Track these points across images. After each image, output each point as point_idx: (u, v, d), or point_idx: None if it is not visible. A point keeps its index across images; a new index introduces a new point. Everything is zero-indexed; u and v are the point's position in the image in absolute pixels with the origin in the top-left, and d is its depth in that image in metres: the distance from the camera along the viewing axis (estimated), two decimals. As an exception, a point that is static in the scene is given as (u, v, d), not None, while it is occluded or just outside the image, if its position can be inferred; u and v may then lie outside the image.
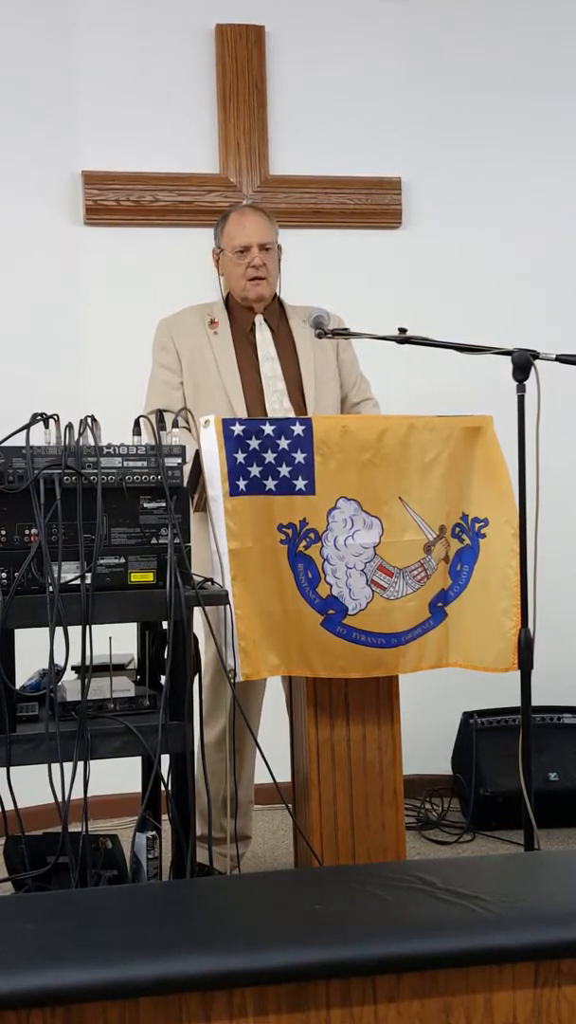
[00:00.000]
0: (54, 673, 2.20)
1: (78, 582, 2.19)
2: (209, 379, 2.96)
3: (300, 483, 2.42)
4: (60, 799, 2.11)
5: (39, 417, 2.23)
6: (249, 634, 2.38)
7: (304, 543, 2.43)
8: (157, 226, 3.83)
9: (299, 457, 2.41)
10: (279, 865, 3.27)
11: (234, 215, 3.07)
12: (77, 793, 2.13)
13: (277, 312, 3.09)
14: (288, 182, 3.90)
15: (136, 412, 2.40)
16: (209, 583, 2.39)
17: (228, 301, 3.11)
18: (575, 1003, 1.66)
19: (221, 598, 2.34)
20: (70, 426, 2.23)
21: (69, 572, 2.20)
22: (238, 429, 2.39)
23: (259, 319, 3.04)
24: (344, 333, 2.78)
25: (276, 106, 3.91)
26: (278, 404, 2.93)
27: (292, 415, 2.90)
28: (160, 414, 2.63)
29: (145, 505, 2.27)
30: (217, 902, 1.88)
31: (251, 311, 3.05)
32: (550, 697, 3.56)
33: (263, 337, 3.02)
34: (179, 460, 2.29)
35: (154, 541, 2.27)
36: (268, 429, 2.41)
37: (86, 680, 2.20)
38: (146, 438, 2.32)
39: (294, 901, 1.85)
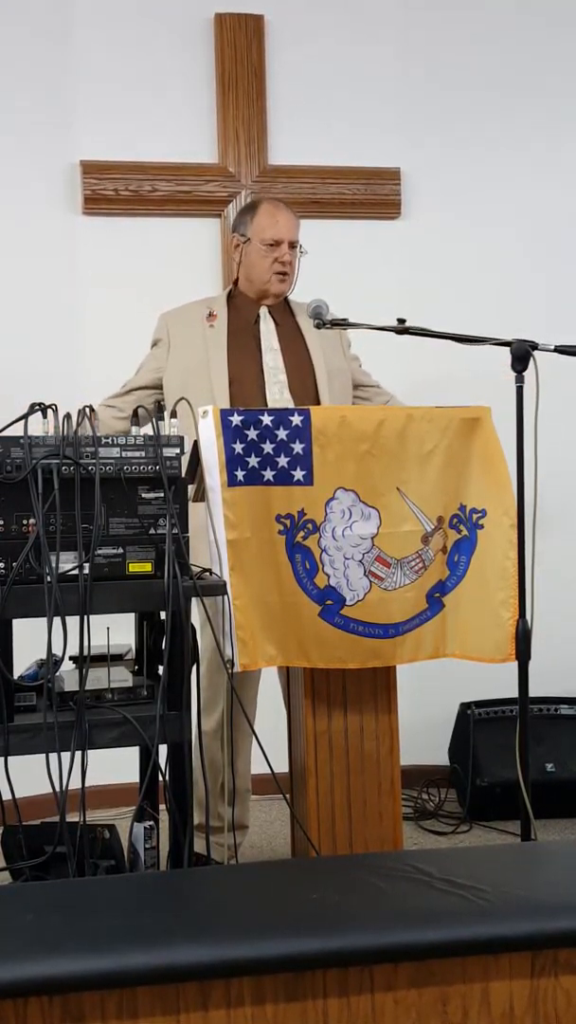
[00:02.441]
0: (52, 663, 2.20)
1: (76, 572, 2.19)
2: (198, 373, 2.95)
3: (298, 474, 2.41)
4: (58, 789, 2.11)
5: (37, 407, 2.23)
6: (247, 625, 2.38)
7: (302, 534, 2.42)
8: (155, 215, 3.82)
9: (297, 448, 2.41)
10: (276, 855, 3.28)
11: (267, 206, 3.07)
12: (75, 783, 2.13)
13: (282, 307, 3.09)
14: (287, 172, 3.89)
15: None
16: (207, 573, 2.39)
17: (232, 293, 3.11)
18: (572, 992, 1.67)
19: (219, 588, 2.34)
20: (68, 416, 2.23)
21: (67, 562, 2.19)
22: (236, 419, 2.39)
23: (263, 311, 3.04)
24: (343, 323, 2.78)
25: (275, 96, 3.89)
26: (279, 395, 2.94)
27: (292, 406, 2.90)
28: (158, 404, 2.64)
29: (143, 495, 2.27)
30: (214, 892, 1.88)
31: (256, 303, 3.05)
32: (547, 688, 3.56)
33: (267, 328, 3.03)
34: (177, 450, 2.29)
35: (152, 531, 2.27)
36: (266, 419, 2.40)
37: (84, 670, 2.20)
38: (144, 428, 2.32)
39: (291, 891, 1.85)
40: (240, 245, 3.08)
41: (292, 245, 3.02)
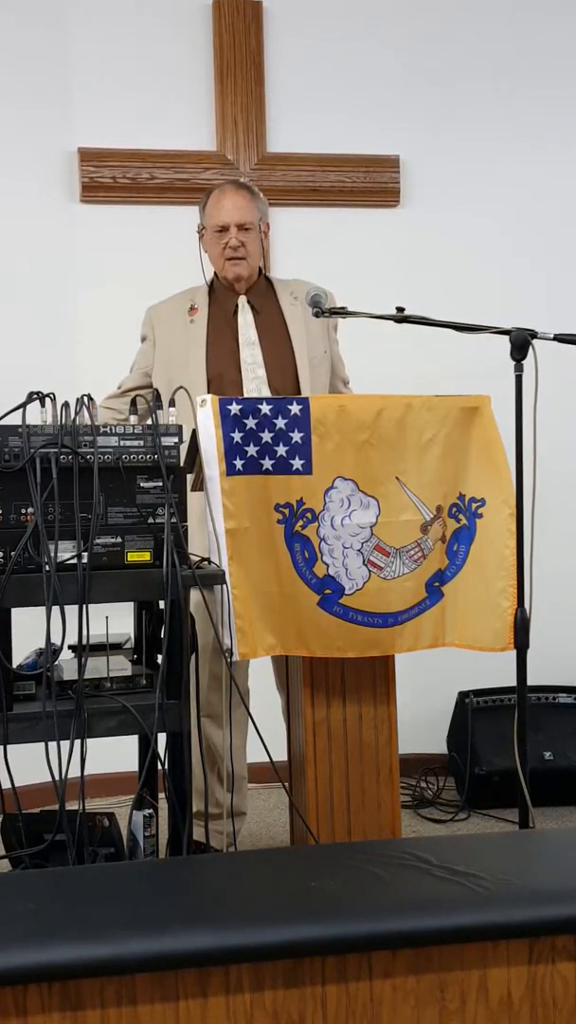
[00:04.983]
0: (51, 652, 2.21)
1: (75, 561, 2.19)
2: (179, 370, 2.91)
3: (297, 463, 2.41)
4: (57, 777, 2.11)
5: (35, 396, 2.23)
6: (246, 614, 2.38)
7: (301, 523, 2.42)
8: (153, 204, 3.81)
9: (296, 437, 2.41)
10: (275, 843, 3.29)
11: (215, 193, 3.01)
12: (74, 771, 2.13)
13: (263, 290, 3.04)
14: (286, 160, 3.88)
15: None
16: (206, 563, 2.39)
17: (212, 283, 3.08)
18: (569, 979, 1.68)
19: (218, 578, 2.34)
20: (66, 405, 2.22)
21: (66, 551, 2.20)
22: (235, 409, 2.38)
23: (242, 301, 2.99)
24: (342, 312, 2.77)
25: (274, 83, 3.88)
26: (256, 392, 2.88)
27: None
28: (156, 393, 2.63)
29: (142, 484, 2.27)
30: (214, 879, 1.89)
31: (235, 292, 3.01)
32: (546, 677, 3.57)
33: (245, 320, 2.97)
34: (176, 439, 2.29)
35: (151, 521, 2.26)
36: (265, 409, 2.40)
37: (83, 659, 2.20)
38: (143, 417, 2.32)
39: (290, 878, 1.86)
40: (201, 234, 3.05)
41: (242, 227, 2.94)
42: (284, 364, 2.95)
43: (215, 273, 3.07)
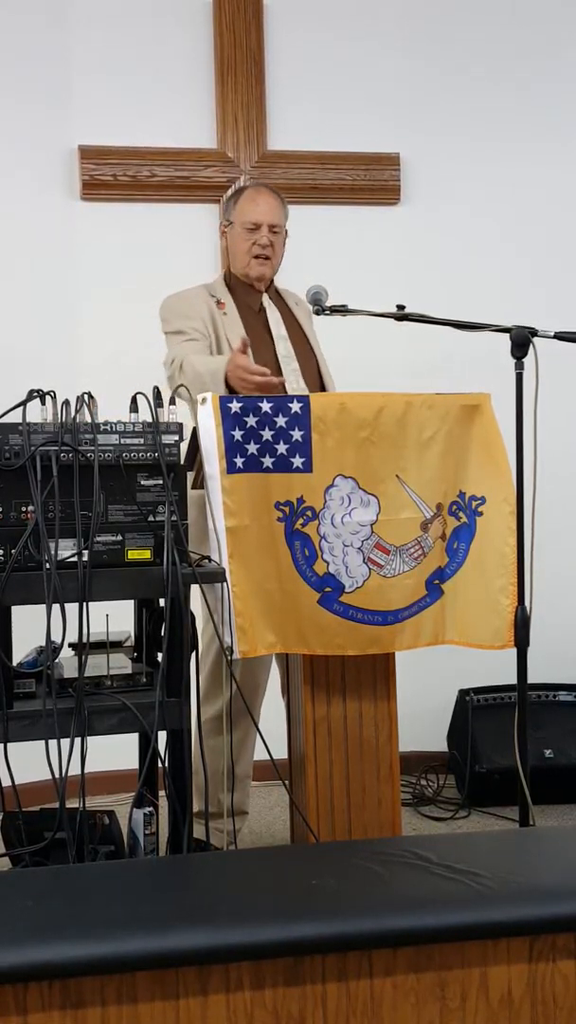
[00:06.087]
0: (51, 650, 2.20)
1: (75, 559, 2.19)
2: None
3: (297, 461, 2.41)
4: (57, 775, 2.11)
5: (36, 393, 2.22)
6: (246, 612, 2.38)
7: (301, 521, 2.42)
8: (154, 201, 3.81)
9: (296, 435, 2.40)
10: (276, 841, 3.29)
11: (250, 190, 3.06)
12: (74, 769, 2.13)
13: (276, 295, 3.09)
14: (286, 157, 3.88)
15: (132, 388, 2.37)
16: (207, 561, 2.39)
17: (228, 280, 3.09)
18: (569, 977, 1.68)
19: (218, 576, 2.34)
20: (67, 403, 2.22)
21: (66, 549, 2.19)
22: (235, 406, 2.38)
23: (266, 299, 3.03)
24: (343, 310, 2.77)
25: (274, 80, 3.88)
26: (295, 383, 2.91)
27: (307, 394, 2.87)
28: (157, 391, 2.62)
29: (142, 482, 2.26)
30: (214, 877, 1.89)
31: (255, 290, 3.03)
32: (546, 675, 3.57)
33: (274, 316, 3.01)
34: (176, 437, 2.28)
35: (151, 518, 2.26)
36: (266, 407, 2.40)
37: (83, 657, 2.20)
38: (143, 415, 2.31)
39: (291, 876, 1.86)
40: (226, 231, 3.07)
41: (273, 228, 2.98)
42: (308, 358, 3.00)
43: (228, 270, 3.09)
